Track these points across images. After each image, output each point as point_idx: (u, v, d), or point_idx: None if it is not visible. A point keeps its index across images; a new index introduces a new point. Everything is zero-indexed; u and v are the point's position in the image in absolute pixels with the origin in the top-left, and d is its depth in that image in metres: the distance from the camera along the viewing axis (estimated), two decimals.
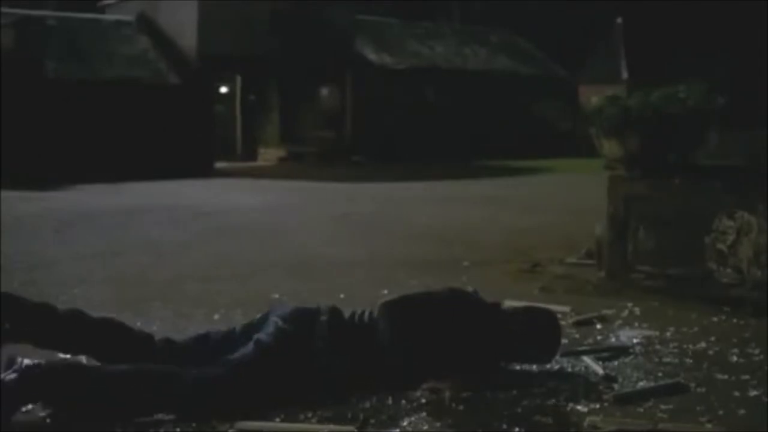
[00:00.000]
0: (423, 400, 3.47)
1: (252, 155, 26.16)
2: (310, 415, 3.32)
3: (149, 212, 11.21)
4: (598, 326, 4.78)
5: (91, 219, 10.53)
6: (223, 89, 25.78)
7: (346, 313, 3.72)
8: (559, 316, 4.93)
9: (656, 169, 5.68)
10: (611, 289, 5.73)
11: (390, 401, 3.47)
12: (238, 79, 25.92)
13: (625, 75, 23.10)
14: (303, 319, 3.62)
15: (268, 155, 25.85)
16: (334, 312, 3.68)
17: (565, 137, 21.81)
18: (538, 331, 3.81)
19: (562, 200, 12.24)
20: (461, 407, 3.41)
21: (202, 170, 19.92)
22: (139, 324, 4.81)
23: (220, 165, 22.61)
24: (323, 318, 3.63)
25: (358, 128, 24.52)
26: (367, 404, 3.43)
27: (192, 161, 20.46)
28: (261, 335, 3.55)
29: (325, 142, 24.78)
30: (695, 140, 5.81)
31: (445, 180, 16.37)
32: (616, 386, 3.68)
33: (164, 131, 20.87)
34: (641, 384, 3.72)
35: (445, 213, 10.86)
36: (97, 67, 20.80)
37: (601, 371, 3.83)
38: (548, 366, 3.95)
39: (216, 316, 5.04)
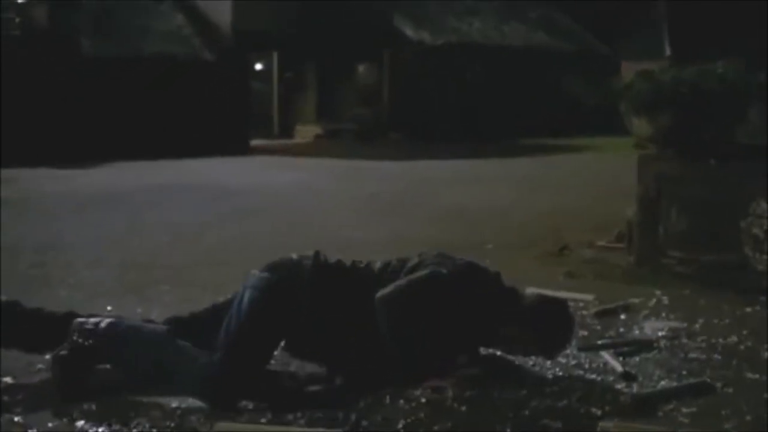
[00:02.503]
0: (423, 400, 3.22)
1: (289, 133, 25.97)
2: (299, 414, 3.09)
3: (176, 191, 11.03)
4: (622, 316, 4.49)
5: (116, 198, 10.37)
6: (259, 66, 25.57)
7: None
8: (581, 305, 4.69)
9: (690, 149, 5.35)
10: (640, 275, 5.43)
11: (388, 400, 3.22)
12: (275, 55, 25.70)
13: (668, 51, 22.45)
14: (285, 265, 3.45)
15: (305, 133, 25.64)
16: (318, 256, 3.50)
17: (603, 115, 21.30)
18: (542, 326, 3.47)
19: (599, 180, 11.85)
20: (463, 408, 3.15)
21: (237, 148, 19.74)
22: (139, 311, 4.64)
23: (256, 142, 22.42)
24: (306, 262, 3.45)
25: (395, 105, 24.18)
26: (362, 403, 3.19)
27: (227, 139, 20.29)
28: (246, 290, 3.39)
29: (362, 119, 24.48)
30: (733, 118, 5.47)
31: (479, 158, 16.02)
32: (635, 386, 3.40)
33: (199, 108, 20.71)
34: (663, 383, 3.43)
35: (475, 193, 10.56)
36: (132, 44, 20.64)
37: (620, 368, 3.55)
38: (564, 361, 3.68)
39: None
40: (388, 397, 3.23)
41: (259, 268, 3.47)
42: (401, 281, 3.38)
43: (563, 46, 25.77)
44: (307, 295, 3.38)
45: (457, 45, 23.66)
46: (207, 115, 20.74)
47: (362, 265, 3.55)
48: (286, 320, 3.38)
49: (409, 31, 23.70)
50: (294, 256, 3.53)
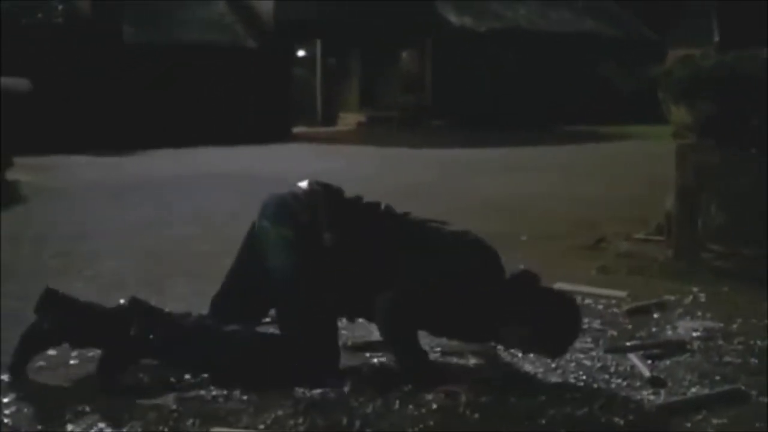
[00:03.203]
0: (434, 406, 3.03)
1: (332, 120, 25.87)
2: (300, 420, 2.91)
3: (211, 179, 10.93)
4: (656, 315, 4.25)
5: (152, 186, 10.30)
6: (301, 53, 25.45)
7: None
8: (612, 302, 4.47)
9: (730, 138, 5.08)
10: (677, 270, 5.17)
11: (396, 405, 3.03)
12: (318, 43, 25.57)
13: (717, 38, 21.91)
14: (295, 211, 3.35)
15: (348, 120, 25.53)
16: (329, 191, 3.43)
17: (649, 102, 20.85)
18: (543, 324, 3.23)
19: (643, 169, 11.51)
20: (476, 415, 2.96)
21: (279, 135, 19.67)
22: (153, 303, 4.49)
23: (298, 130, 22.35)
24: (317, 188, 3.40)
25: (438, 92, 23.94)
26: (369, 408, 3.01)
27: (269, 126, 20.24)
28: (271, 253, 3.35)
29: (405, 106, 24.30)
30: None
31: (521, 146, 15.73)
32: (663, 392, 3.18)
33: (241, 96, 20.67)
34: (693, 390, 3.20)
35: (514, 181, 10.32)
36: (174, 32, 20.62)
37: (647, 373, 3.32)
38: (588, 364, 3.47)
39: None
40: (397, 401, 3.05)
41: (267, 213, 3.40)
42: (405, 287, 3.20)
43: (610, 32, 25.30)
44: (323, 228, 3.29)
45: (501, 31, 23.34)
46: (249, 102, 20.70)
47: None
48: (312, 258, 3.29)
49: (452, 17, 23.43)
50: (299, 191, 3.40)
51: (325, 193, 3.39)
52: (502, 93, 22.92)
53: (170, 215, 7.94)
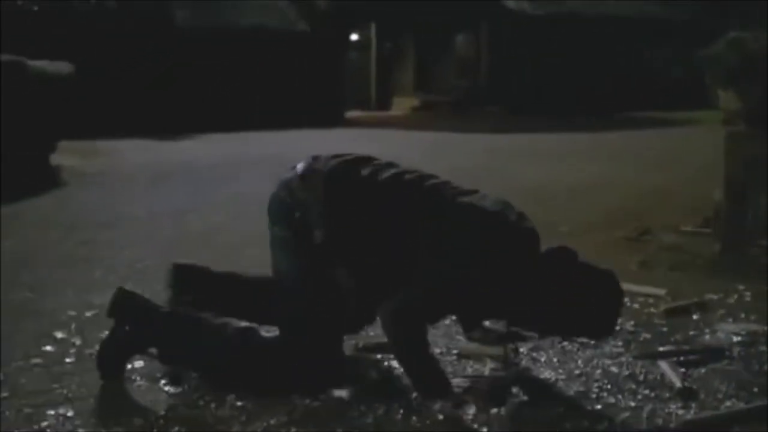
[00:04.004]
0: (440, 416, 2.79)
1: (386, 104, 25.64)
2: (293, 430, 2.70)
3: (255, 164, 10.74)
4: (695, 316, 3.96)
5: (193, 171, 10.17)
6: (354, 37, 25.22)
7: None
8: (650, 301, 4.18)
9: None
10: (723, 266, 4.86)
11: (400, 415, 2.81)
12: (373, 26, 25.31)
13: None
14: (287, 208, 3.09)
15: (402, 104, 25.28)
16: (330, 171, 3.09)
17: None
18: (585, 303, 2.89)
19: (700, 157, 11.09)
20: (485, 429, 2.71)
21: (332, 120, 19.47)
22: (163, 295, 4.32)
23: (352, 114, 22.13)
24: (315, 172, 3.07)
25: (494, 77, 23.53)
26: (370, 418, 2.78)
27: (322, 110, 20.07)
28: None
29: (460, 91, 23.95)
30: None
31: (574, 132, 15.32)
32: (694, 405, 2.90)
33: (294, 80, 20.53)
34: (728, 404, 2.92)
35: (562, 168, 9.98)
36: (226, 16, 20.52)
37: (678, 383, 3.05)
38: (615, 371, 3.20)
39: None
40: (401, 411, 2.82)
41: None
42: (410, 294, 2.91)
43: (676, 15, 24.57)
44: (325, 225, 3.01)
45: (559, 14, 22.84)
46: (302, 86, 20.54)
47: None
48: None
49: (509, 1, 22.99)
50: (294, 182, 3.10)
51: (323, 178, 3.05)
52: (557, 78, 22.44)
53: (203, 202, 7.78)
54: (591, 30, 22.89)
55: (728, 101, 4.89)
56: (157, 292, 4.36)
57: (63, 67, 10.43)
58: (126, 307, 3.18)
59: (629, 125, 16.80)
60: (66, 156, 10.81)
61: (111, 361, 3.15)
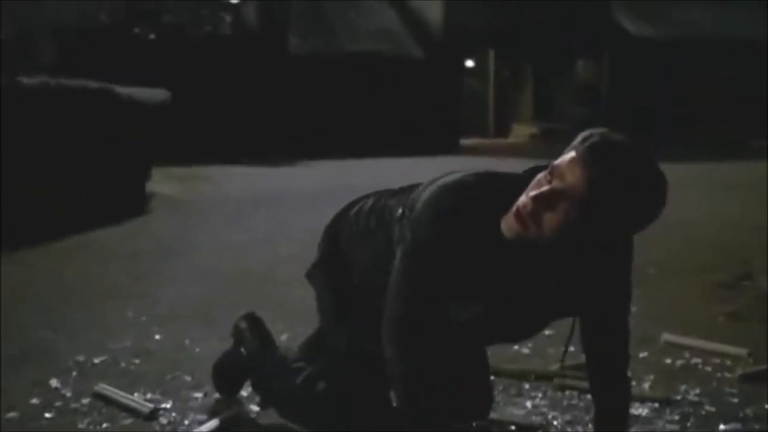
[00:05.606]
0: None
1: (504, 132, 25.17)
2: None
3: (345, 194, 10.33)
4: None
5: (282, 200, 9.93)
6: (470, 63, 24.81)
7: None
8: (727, 363, 3.60)
9: None
10: None
11: None
12: (491, 53, 24.87)
13: None
14: None
15: (521, 132, 24.79)
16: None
17: None
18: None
19: None
20: None
21: (447, 147, 19.13)
22: (187, 342, 3.98)
23: (469, 142, 21.73)
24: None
25: (615, 105, 22.74)
26: None
27: (437, 138, 19.76)
28: None
29: (579, 118, 23.23)
30: None
31: (691, 162, 14.46)
32: None
33: (408, 107, 20.30)
34: None
35: (669, 201, 9.26)
36: (341, 42, 20.45)
37: None
38: None
39: (280, 328, 3.96)
40: None
41: None
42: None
43: None
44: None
45: (682, 39, 21.91)
46: (416, 113, 20.30)
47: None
48: None
49: (629, 25, 22.21)
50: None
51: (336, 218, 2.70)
52: (684, 105, 21.50)
53: (279, 233, 7.48)
54: (719, 54, 21.89)
55: None
56: (184, 329, 4.08)
57: (158, 94, 10.38)
58: (248, 330, 3.03)
59: (754, 155, 15.78)
60: (164, 183, 10.75)
61: (224, 379, 3.09)
